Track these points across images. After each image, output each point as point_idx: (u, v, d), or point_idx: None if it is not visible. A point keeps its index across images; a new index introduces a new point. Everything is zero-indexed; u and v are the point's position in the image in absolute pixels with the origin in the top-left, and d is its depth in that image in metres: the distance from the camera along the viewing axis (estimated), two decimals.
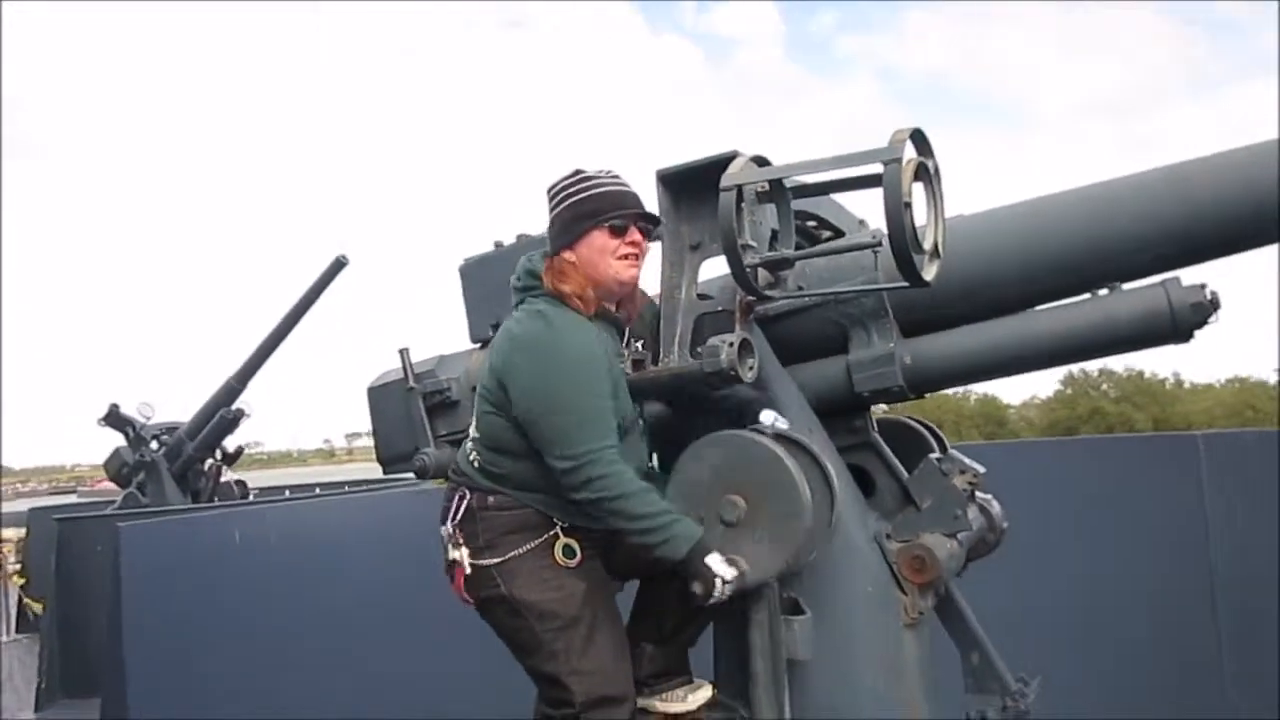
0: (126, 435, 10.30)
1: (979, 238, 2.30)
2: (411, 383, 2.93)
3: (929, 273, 2.03)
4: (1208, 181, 2.11)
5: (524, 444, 2.19)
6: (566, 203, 2.26)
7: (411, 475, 2.96)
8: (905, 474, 2.37)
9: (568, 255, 2.24)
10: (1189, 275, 2.19)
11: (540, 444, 2.13)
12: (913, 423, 2.67)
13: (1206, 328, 2.16)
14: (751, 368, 2.17)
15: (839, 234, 2.50)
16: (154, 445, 10.27)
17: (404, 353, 2.97)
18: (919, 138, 1.98)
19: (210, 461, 10.34)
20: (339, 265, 9.72)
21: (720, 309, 2.28)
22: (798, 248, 2.25)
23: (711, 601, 2.07)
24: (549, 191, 2.32)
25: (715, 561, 2.06)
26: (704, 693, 2.39)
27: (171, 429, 10.37)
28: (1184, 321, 2.13)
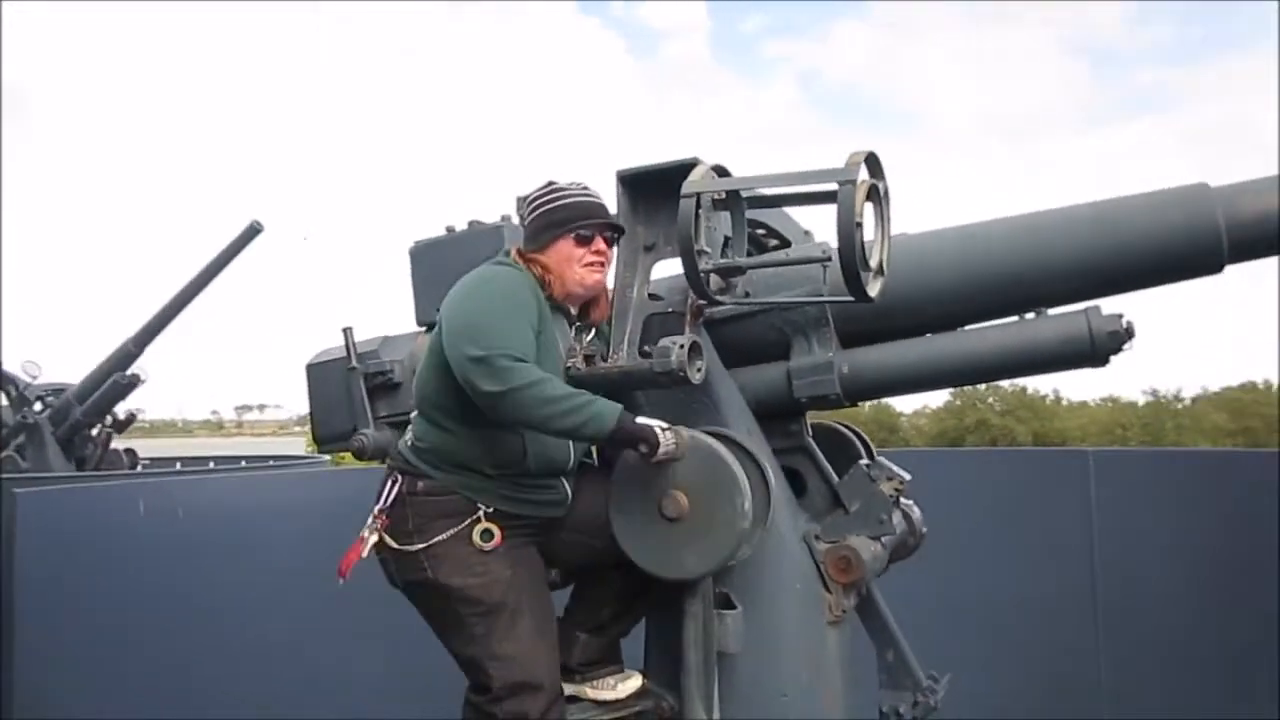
0: (8, 394, 9.79)
1: (919, 257, 2.42)
2: (354, 362, 2.91)
3: (874, 289, 2.13)
4: (1132, 221, 2.28)
5: (452, 402, 2.20)
6: (538, 212, 2.35)
7: (312, 454, 2.95)
8: (836, 478, 2.48)
9: (540, 258, 2.32)
10: (1108, 305, 2.33)
11: (458, 348, 2.12)
12: (843, 429, 2.79)
13: (1124, 352, 2.29)
14: (700, 370, 2.24)
15: (786, 242, 2.59)
16: (38, 407, 9.79)
17: (347, 332, 2.94)
18: (872, 161, 2.08)
19: (100, 428, 9.92)
20: (253, 232, 9.43)
21: (671, 310, 2.34)
22: (748, 255, 2.33)
23: (661, 453, 2.10)
24: (524, 201, 2.41)
25: (646, 419, 2.13)
26: (634, 682, 2.46)
27: (58, 390, 9.90)
28: (1102, 347, 2.28)
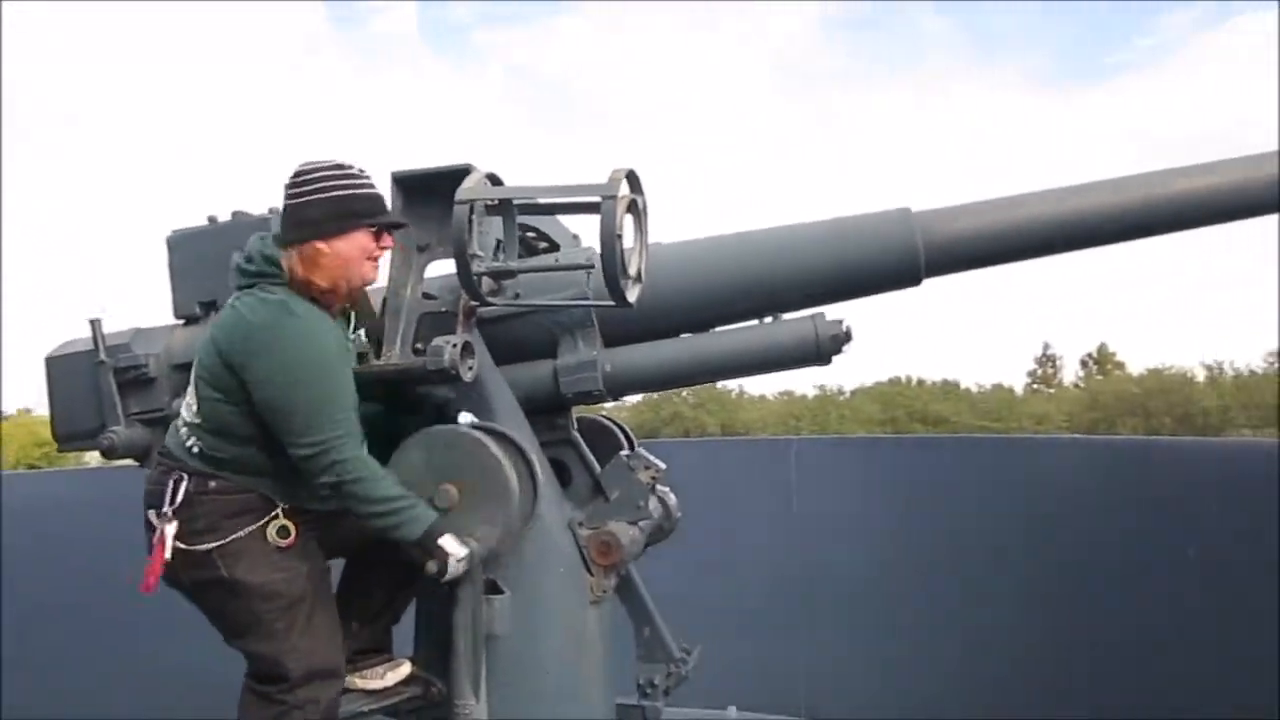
0: None
1: (674, 266, 2.67)
2: (102, 355, 2.71)
3: (632, 295, 2.31)
4: (849, 240, 2.61)
5: (252, 429, 2.19)
6: (330, 194, 2.20)
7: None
8: (598, 468, 2.68)
9: (323, 246, 2.20)
10: (833, 311, 2.66)
11: (281, 431, 2.14)
12: (607, 422, 3.00)
13: (844, 353, 2.65)
14: (471, 368, 2.35)
15: (555, 246, 2.75)
16: None
17: (95, 323, 2.74)
18: (632, 177, 2.26)
19: None
20: None
21: (444, 309, 2.43)
22: (519, 257, 2.46)
23: (446, 579, 2.22)
24: (299, 175, 2.24)
25: (449, 542, 2.22)
26: (403, 670, 2.53)
27: None
28: (825, 349, 2.62)
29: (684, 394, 51.06)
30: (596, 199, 2.17)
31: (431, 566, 2.23)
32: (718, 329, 2.73)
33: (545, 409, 2.66)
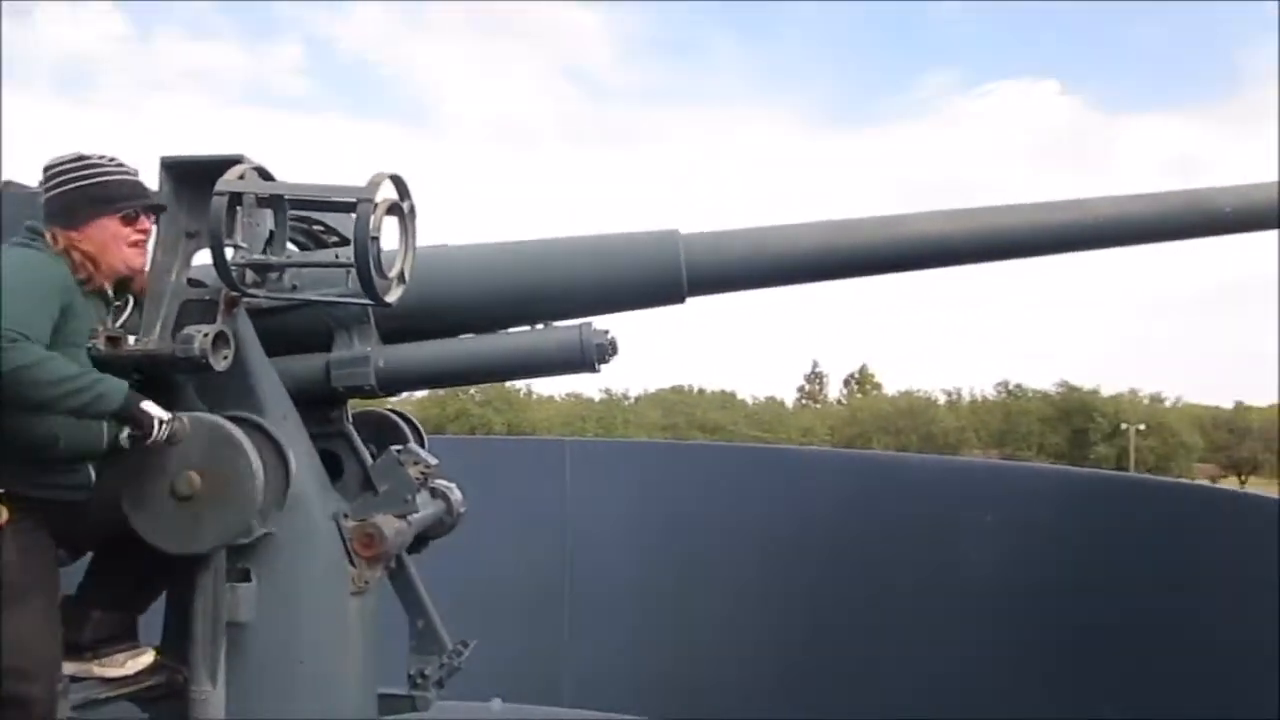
0: None
1: (456, 269, 2.76)
2: None
3: (392, 295, 2.36)
4: (618, 255, 2.80)
5: None
6: (70, 186, 2.26)
7: None
8: (370, 461, 2.72)
9: (73, 235, 2.22)
10: (604, 322, 2.81)
11: None
12: (394, 416, 3.02)
13: (609, 362, 2.80)
14: (226, 358, 2.31)
15: (345, 241, 2.76)
16: None
17: None
18: (398, 181, 2.33)
19: None
20: None
21: (209, 298, 2.39)
22: (303, 249, 2.46)
23: (153, 439, 2.16)
24: (46, 170, 2.30)
25: (151, 406, 2.17)
26: (145, 658, 2.45)
27: None
28: (590, 357, 2.76)
29: (471, 391, 50.58)
30: (354, 200, 2.22)
31: (135, 431, 2.17)
32: (494, 333, 2.83)
33: (318, 401, 2.67)
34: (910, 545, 4.89)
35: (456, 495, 3.00)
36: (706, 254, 2.78)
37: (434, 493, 2.92)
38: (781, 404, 74.54)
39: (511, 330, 2.85)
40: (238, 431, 2.31)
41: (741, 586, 5.25)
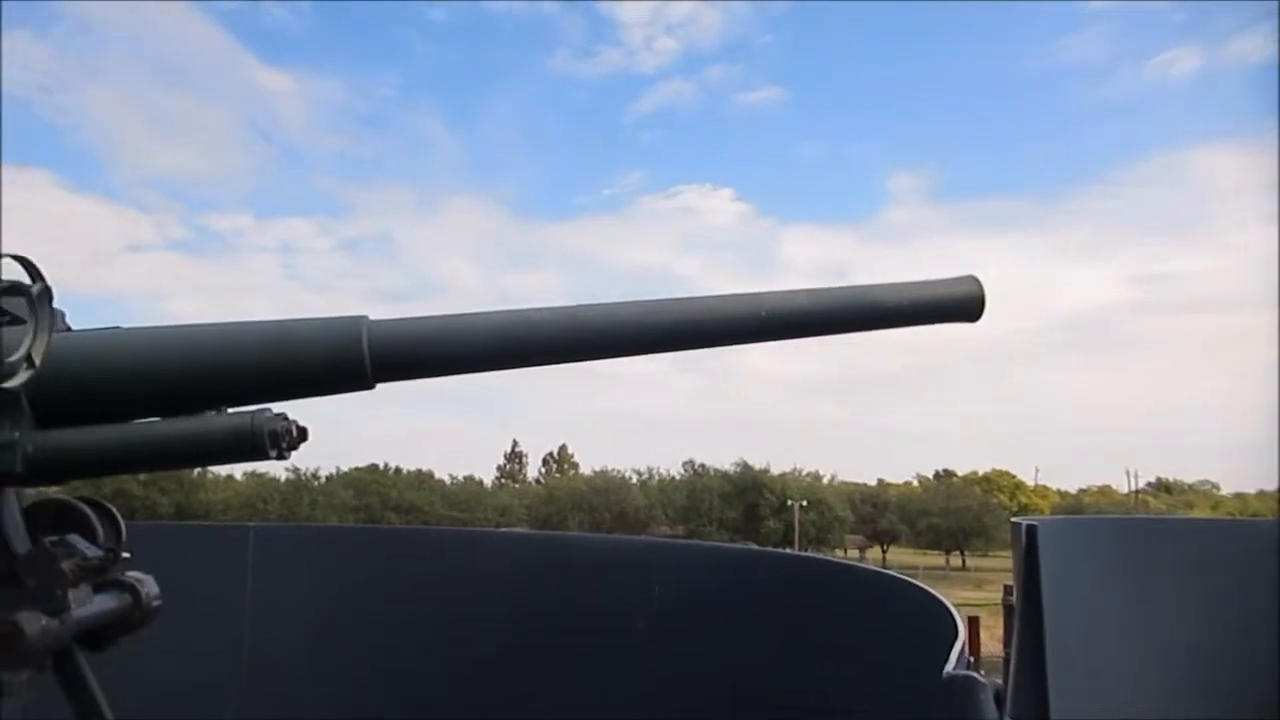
0: None
1: (122, 353, 2.67)
2: None
3: (16, 380, 2.27)
4: (300, 340, 2.79)
5: None
6: None
7: None
8: (20, 554, 2.51)
9: None
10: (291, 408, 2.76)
11: None
12: (81, 504, 2.76)
13: (292, 452, 2.70)
14: None
15: (18, 321, 2.56)
16: None
17: None
18: (26, 263, 2.27)
19: None
20: None
21: None
22: None
23: None
24: None
25: None
26: None
27: None
28: (261, 444, 2.64)
29: None
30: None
31: None
32: (160, 419, 2.73)
33: None
34: (588, 614, 5.19)
35: (149, 589, 2.81)
36: (393, 340, 2.81)
37: (121, 585, 2.72)
38: (480, 483, 74.29)
39: (183, 418, 2.76)
40: None
41: (408, 664, 5.29)
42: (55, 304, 2.77)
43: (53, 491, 2.92)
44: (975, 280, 2.98)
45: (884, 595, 4.12)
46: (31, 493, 2.78)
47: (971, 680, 2.25)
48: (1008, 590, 7.01)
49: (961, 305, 3.00)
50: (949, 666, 2.46)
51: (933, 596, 3.49)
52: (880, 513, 74.77)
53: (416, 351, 2.88)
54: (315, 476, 65.21)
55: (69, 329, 2.80)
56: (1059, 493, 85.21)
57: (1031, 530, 3.05)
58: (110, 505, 2.93)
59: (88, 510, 2.89)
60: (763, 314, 2.88)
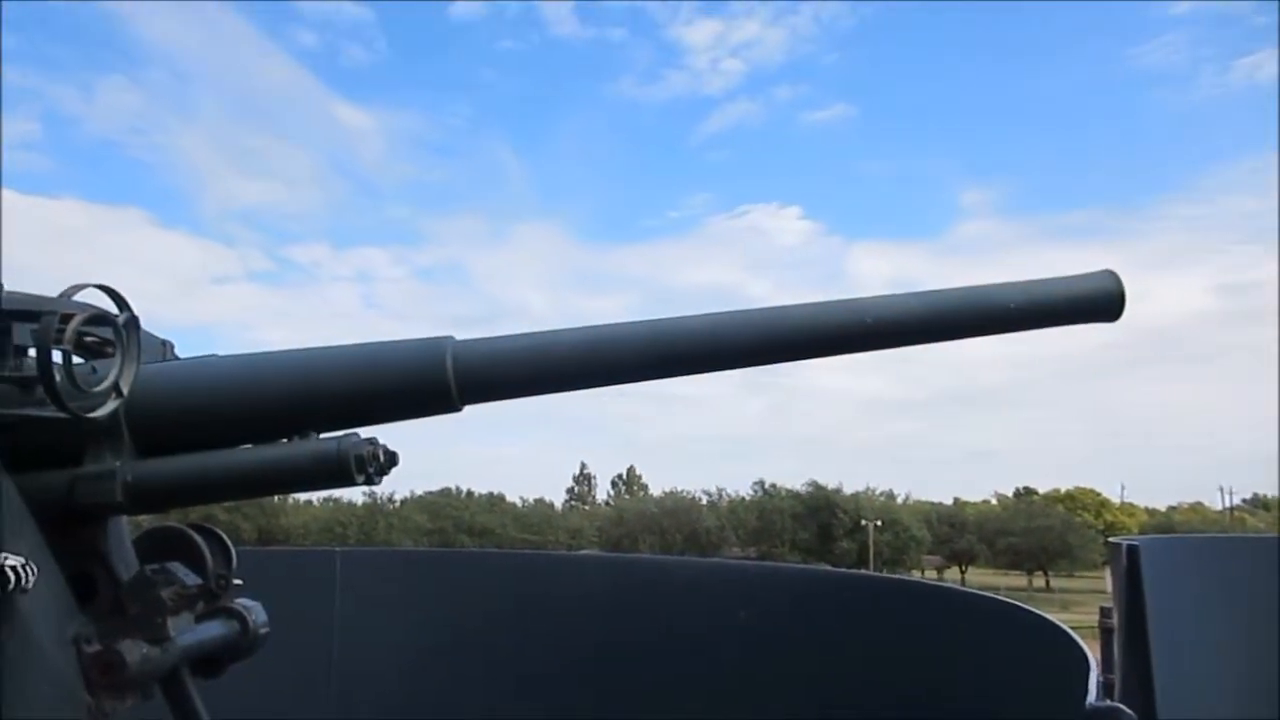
0: None
1: (213, 381, 2.69)
2: None
3: (105, 409, 2.30)
4: (383, 363, 2.75)
5: None
6: None
7: None
8: (124, 582, 2.55)
9: None
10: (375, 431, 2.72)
11: None
12: (191, 532, 2.78)
13: (382, 477, 2.65)
14: None
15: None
16: None
17: None
18: (111, 293, 2.30)
19: None
20: None
21: None
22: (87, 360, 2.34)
23: None
24: None
25: None
26: None
27: None
28: (348, 469, 2.58)
29: None
30: (38, 310, 2.17)
31: None
32: (251, 446, 2.73)
33: (72, 518, 2.51)
34: (671, 640, 5.11)
35: (258, 616, 2.80)
36: (478, 360, 2.73)
37: (230, 613, 2.74)
38: (551, 506, 74.68)
39: (274, 444, 2.75)
40: None
41: (510, 690, 5.26)
42: (162, 334, 2.84)
43: (166, 519, 2.97)
44: (1112, 274, 2.69)
45: (999, 621, 3.89)
46: (144, 520, 2.82)
47: (1118, 712, 2.11)
48: (1104, 612, 6.68)
49: (1098, 303, 2.71)
50: (1090, 698, 2.31)
51: (1050, 622, 3.30)
52: (958, 533, 72.75)
53: (502, 370, 2.78)
54: (390, 500, 66.39)
55: (176, 358, 2.85)
56: (1147, 510, 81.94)
57: (1133, 550, 2.89)
58: (221, 532, 2.95)
59: (197, 537, 2.90)
60: (868, 320, 2.66)
